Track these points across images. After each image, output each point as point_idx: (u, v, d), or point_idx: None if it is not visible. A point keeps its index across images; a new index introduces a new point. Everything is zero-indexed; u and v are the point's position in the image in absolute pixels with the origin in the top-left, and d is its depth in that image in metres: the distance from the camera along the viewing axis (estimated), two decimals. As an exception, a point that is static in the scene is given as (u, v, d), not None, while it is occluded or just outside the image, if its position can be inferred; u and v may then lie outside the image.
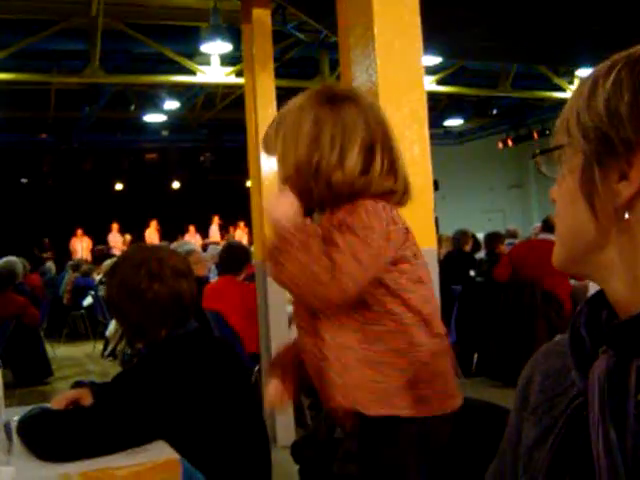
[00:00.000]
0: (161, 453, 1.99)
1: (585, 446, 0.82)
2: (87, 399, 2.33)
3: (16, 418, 2.21)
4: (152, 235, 18.03)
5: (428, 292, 1.78)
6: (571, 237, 0.93)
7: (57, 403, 2.32)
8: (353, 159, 1.71)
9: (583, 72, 12.37)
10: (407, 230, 1.73)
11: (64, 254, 16.99)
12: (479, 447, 1.62)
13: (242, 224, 18.50)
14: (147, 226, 18.41)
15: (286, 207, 1.68)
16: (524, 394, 1.07)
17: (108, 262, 11.43)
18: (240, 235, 18.28)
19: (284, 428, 5.39)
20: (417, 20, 2.84)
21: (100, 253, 16.27)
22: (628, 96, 0.84)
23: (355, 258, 1.60)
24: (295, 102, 1.81)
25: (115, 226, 18.08)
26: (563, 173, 0.93)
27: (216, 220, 18.91)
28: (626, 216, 0.84)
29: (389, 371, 1.68)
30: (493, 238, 8.69)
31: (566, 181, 0.92)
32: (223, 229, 18.90)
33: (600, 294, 0.93)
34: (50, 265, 15.23)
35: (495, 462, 1.14)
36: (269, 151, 1.84)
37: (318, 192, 1.73)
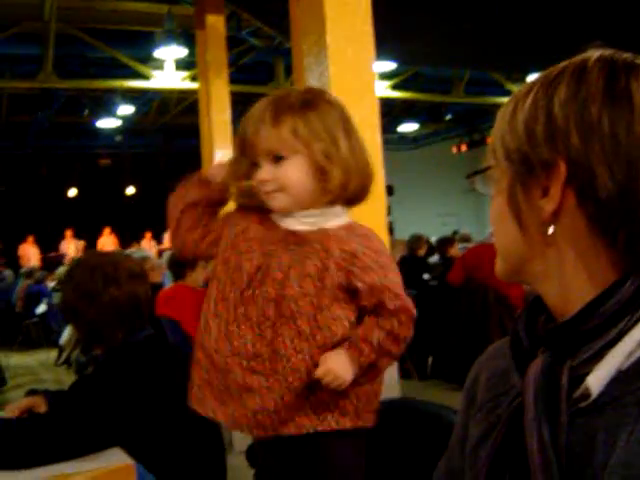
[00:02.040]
0: (116, 459, 1.99)
1: (524, 444, 0.85)
2: (41, 407, 2.32)
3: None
4: (107, 242, 17.82)
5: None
6: (506, 251, 0.98)
7: (10, 412, 2.31)
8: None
9: (534, 77, 12.50)
10: None
11: (16, 261, 16.75)
12: (425, 446, 1.66)
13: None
14: (101, 233, 18.20)
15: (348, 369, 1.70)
16: (471, 393, 1.11)
17: (62, 269, 11.32)
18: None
19: (241, 434, 5.38)
20: (369, 28, 2.88)
21: (52, 260, 16.08)
22: (543, 117, 0.89)
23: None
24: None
25: (69, 233, 17.87)
26: (494, 193, 0.98)
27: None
28: (550, 230, 0.89)
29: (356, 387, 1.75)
30: (444, 242, 8.80)
31: (496, 200, 0.98)
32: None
33: (539, 299, 0.98)
34: (9, 272, 14.98)
35: (443, 460, 1.17)
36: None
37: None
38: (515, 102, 0.94)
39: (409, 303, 1.75)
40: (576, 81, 0.88)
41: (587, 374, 0.84)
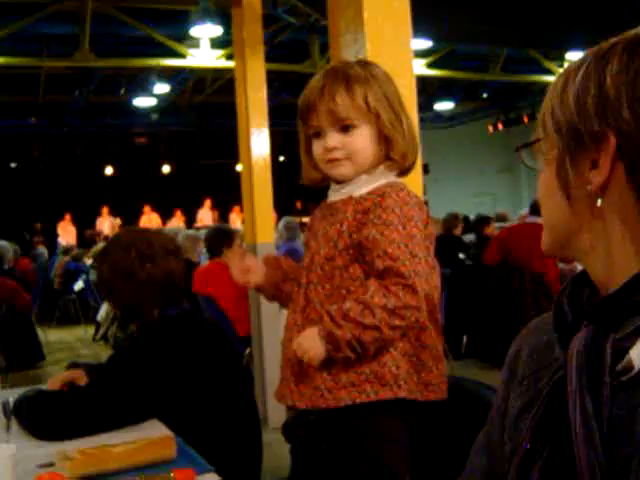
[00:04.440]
0: (155, 431, 2.02)
1: (566, 416, 0.86)
2: (82, 380, 2.36)
3: (12, 399, 2.23)
4: (148, 220, 17.93)
5: (437, 278, 1.84)
6: (553, 224, 0.99)
7: (52, 384, 2.36)
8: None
9: (573, 55, 12.36)
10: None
11: (54, 238, 16.96)
12: (465, 423, 1.66)
13: (238, 208, 18.33)
14: (139, 210, 18.30)
15: (317, 343, 1.69)
16: (512, 367, 1.11)
17: (99, 246, 11.43)
18: (234, 219, 18.20)
19: (275, 410, 5.42)
20: (407, 4, 2.85)
21: (90, 237, 16.23)
22: (594, 90, 0.88)
23: (412, 254, 1.68)
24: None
25: (105, 210, 18.01)
26: (542, 165, 0.98)
27: (208, 204, 18.83)
28: (599, 203, 0.89)
29: (392, 357, 1.73)
30: (479, 221, 8.77)
31: (545, 173, 0.98)
32: (220, 216, 18.75)
33: (584, 274, 0.98)
34: (43, 250, 15.18)
35: (483, 432, 1.18)
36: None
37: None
38: (566, 76, 0.94)
39: (404, 268, 1.66)
40: (628, 55, 0.87)
41: (630, 348, 0.84)
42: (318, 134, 1.83)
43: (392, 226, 1.70)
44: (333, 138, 1.79)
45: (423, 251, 1.72)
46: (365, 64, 1.90)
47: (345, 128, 1.79)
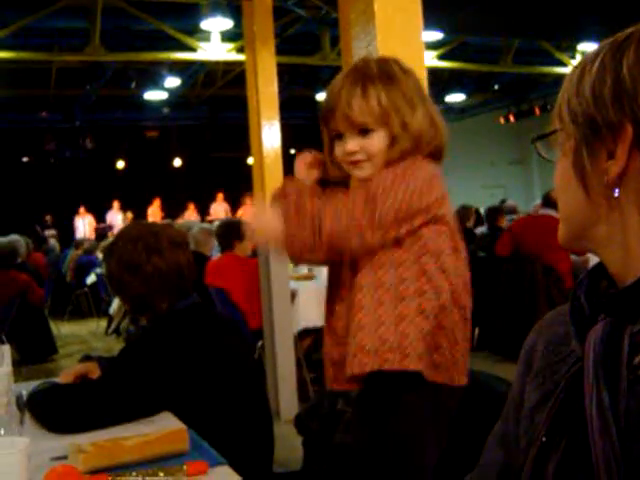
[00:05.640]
0: (168, 424, 2.03)
1: (582, 409, 0.85)
2: (95, 373, 2.37)
3: (25, 392, 2.24)
4: (155, 213, 18.01)
5: (461, 263, 1.86)
6: (570, 216, 0.98)
7: (65, 377, 2.37)
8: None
9: (585, 47, 12.31)
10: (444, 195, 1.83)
11: (67, 232, 17.01)
12: (480, 416, 1.66)
13: (249, 201, 18.31)
14: (150, 204, 18.38)
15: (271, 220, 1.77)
16: (527, 360, 1.10)
17: (108, 240, 11.45)
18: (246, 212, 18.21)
19: (287, 402, 5.44)
20: (418, -4, 2.84)
21: (102, 231, 16.28)
22: (610, 80, 0.88)
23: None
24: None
25: (116, 204, 18.08)
26: (559, 156, 0.97)
27: (220, 197, 18.86)
28: (616, 193, 0.88)
29: (413, 331, 1.74)
30: (493, 212, 8.71)
31: (561, 164, 0.97)
32: (232, 208, 18.76)
33: (601, 265, 0.97)
34: (54, 243, 15.24)
35: (498, 425, 1.17)
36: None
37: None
38: (582, 67, 0.93)
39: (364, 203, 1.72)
40: None
41: None
42: (340, 135, 1.88)
43: (387, 176, 1.77)
44: (352, 142, 1.85)
45: (387, 211, 1.73)
46: (383, 61, 1.92)
47: (364, 131, 1.84)
